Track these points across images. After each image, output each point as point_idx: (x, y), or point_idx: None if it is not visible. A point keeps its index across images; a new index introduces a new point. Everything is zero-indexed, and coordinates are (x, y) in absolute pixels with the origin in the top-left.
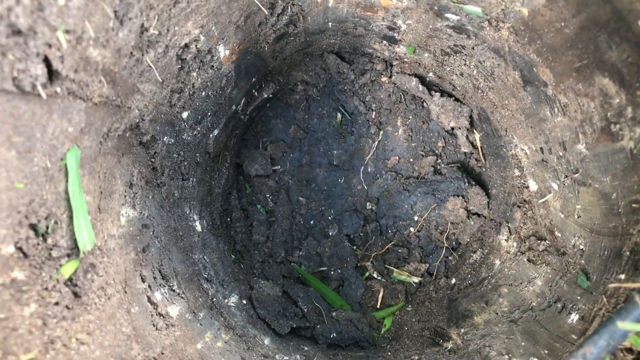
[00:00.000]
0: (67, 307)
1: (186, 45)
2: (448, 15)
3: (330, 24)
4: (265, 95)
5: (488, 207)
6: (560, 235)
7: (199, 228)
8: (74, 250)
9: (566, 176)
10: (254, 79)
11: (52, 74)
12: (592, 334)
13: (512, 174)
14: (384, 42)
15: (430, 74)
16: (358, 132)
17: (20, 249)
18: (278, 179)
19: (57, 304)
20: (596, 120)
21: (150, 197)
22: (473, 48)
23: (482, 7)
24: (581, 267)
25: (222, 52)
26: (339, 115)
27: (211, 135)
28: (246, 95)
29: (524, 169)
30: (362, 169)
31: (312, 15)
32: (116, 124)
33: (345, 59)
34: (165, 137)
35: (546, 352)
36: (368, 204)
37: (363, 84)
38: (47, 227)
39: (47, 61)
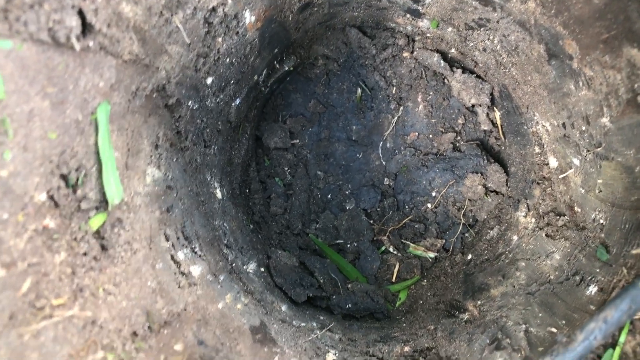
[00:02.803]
0: (94, 258)
1: (214, 9)
2: None
3: None
4: (286, 68)
5: (506, 184)
6: (580, 210)
7: (219, 195)
8: (102, 203)
9: (588, 151)
10: (276, 50)
11: (85, 27)
12: (614, 297)
13: (532, 152)
14: (408, 15)
15: (453, 50)
16: (378, 107)
17: (52, 197)
18: (296, 152)
19: (85, 254)
20: (622, 93)
21: (174, 160)
22: (498, 21)
23: None
24: (601, 241)
25: (248, 18)
26: (359, 91)
27: (233, 104)
28: (268, 66)
29: (545, 146)
30: (380, 145)
31: None
32: (144, 83)
33: (367, 33)
34: (190, 102)
35: (564, 322)
36: (386, 179)
37: (384, 59)
38: (77, 179)
39: (81, 14)
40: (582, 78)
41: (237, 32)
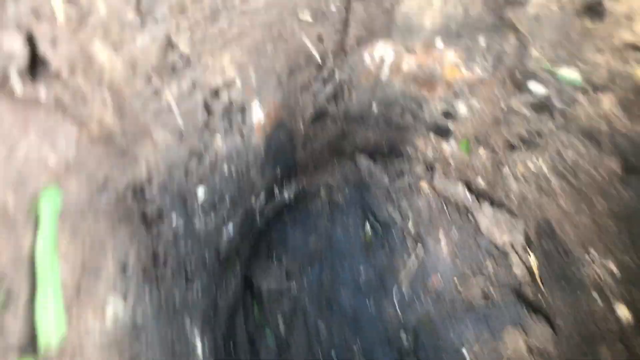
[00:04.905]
0: None
1: (217, 91)
2: (532, 86)
3: (375, 106)
4: (287, 196)
5: (554, 341)
6: None
7: (199, 351)
8: (30, 344)
9: None
10: (279, 169)
11: (36, 63)
12: None
13: (587, 299)
14: (432, 135)
15: (479, 179)
16: (391, 246)
17: None
18: (293, 298)
19: None
20: None
21: (146, 292)
22: (553, 133)
23: (582, 71)
24: None
25: (257, 113)
26: (368, 226)
27: (225, 229)
28: (267, 189)
29: (608, 291)
30: (395, 291)
31: (358, 91)
32: (117, 173)
33: (379, 160)
34: (174, 216)
35: None
36: (403, 333)
37: (399, 188)
38: None
39: (31, 41)
40: None
41: (242, 133)
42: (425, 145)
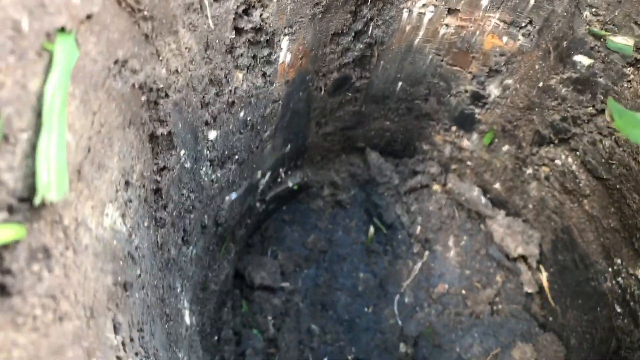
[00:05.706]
0: None
1: (248, 9)
2: (577, 58)
3: (400, 84)
4: (290, 185)
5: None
6: None
7: (187, 321)
8: (22, 203)
9: None
10: (288, 147)
11: None
12: None
13: (606, 314)
14: (454, 128)
15: (497, 185)
16: (395, 251)
17: None
18: (286, 298)
19: None
20: None
21: (144, 224)
22: (589, 120)
23: (636, 39)
24: None
25: (284, 52)
26: (372, 229)
27: (227, 197)
28: (274, 168)
29: (633, 304)
30: (397, 298)
31: (386, 59)
32: (136, 61)
33: (389, 159)
34: (183, 151)
35: None
36: (402, 344)
37: (409, 189)
38: None
39: None
40: None
41: (264, 73)
42: (443, 142)
